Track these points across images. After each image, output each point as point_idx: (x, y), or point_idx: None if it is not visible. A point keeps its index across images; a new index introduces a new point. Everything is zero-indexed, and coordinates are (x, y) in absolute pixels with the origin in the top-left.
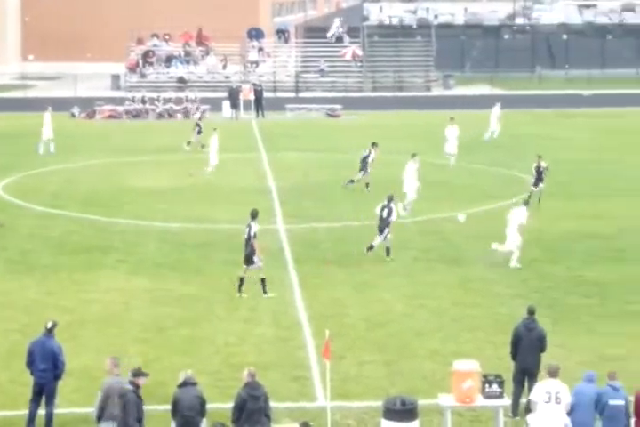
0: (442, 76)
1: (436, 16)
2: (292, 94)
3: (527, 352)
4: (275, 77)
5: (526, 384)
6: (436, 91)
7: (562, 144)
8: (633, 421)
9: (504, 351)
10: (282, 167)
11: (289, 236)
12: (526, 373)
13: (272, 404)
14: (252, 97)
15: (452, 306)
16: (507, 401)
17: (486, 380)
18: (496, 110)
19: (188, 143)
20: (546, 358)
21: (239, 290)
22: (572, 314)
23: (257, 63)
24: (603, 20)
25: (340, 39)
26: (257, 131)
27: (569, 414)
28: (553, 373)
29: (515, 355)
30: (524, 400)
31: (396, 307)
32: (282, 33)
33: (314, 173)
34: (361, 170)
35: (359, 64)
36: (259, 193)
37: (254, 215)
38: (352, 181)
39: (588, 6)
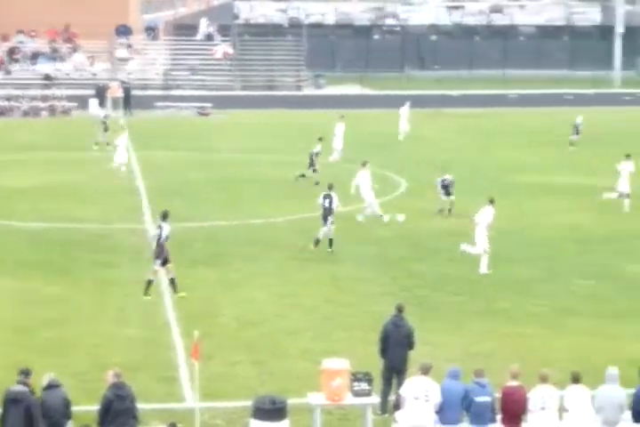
0: (312, 76)
1: (306, 15)
2: (162, 92)
3: (395, 350)
4: (143, 75)
5: (395, 382)
6: (307, 90)
7: (431, 144)
8: (499, 417)
9: (373, 349)
10: (151, 166)
11: None
12: (394, 370)
13: (140, 405)
14: (120, 94)
15: (324, 305)
16: (375, 399)
17: (355, 378)
18: (404, 110)
19: (97, 143)
20: (414, 356)
21: (175, 290)
22: (440, 311)
23: (125, 61)
24: (471, 21)
25: (210, 37)
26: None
27: (437, 411)
28: (425, 370)
29: (383, 352)
30: (392, 398)
31: (268, 306)
32: (151, 30)
33: (184, 171)
34: (310, 166)
35: (229, 63)
36: (127, 192)
37: (165, 216)
38: (304, 175)
39: (456, 7)
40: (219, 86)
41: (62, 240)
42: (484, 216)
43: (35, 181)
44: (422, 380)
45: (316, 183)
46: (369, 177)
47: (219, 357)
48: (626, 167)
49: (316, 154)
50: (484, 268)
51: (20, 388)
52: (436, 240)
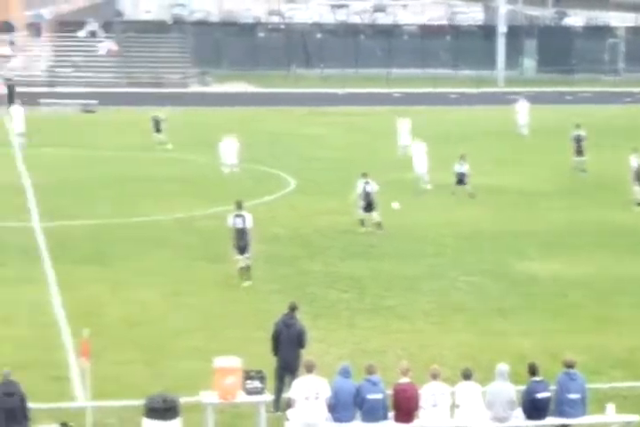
0: (198, 73)
1: (191, 12)
2: (46, 89)
3: (287, 348)
4: (27, 72)
5: (287, 380)
6: (194, 87)
7: (316, 142)
8: (391, 414)
9: (265, 347)
10: (37, 164)
11: (45, 234)
12: (286, 368)
13: (32, 405)
14: (4, 92)
15: (215, 303)
16: (268, 397)
17: (247, 376)
18: (522, 105)
19: None
20: (306, 354)
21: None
22: (332, 309)
23: (8, 57)
24: (355, 19)
25: (93, 34)
26: (10, 126)
27: (329, 408)
28: (309, 368)
29: (275, 351)
30: (286, 395)
31: (156, 305)
32: (34, 26)
33: (69, 169)
34: None
35: (114, 59)
36: (12, 190)
37: (240, 205)
38: None
39: (340, 6)
40: (104, 83)
41: None
42: None
43: None
44: (309, 379)
45: None
46: (424, 150)
47: (108, 356)
48: None
49: None
50: None
51: None
52: (324, 238)
